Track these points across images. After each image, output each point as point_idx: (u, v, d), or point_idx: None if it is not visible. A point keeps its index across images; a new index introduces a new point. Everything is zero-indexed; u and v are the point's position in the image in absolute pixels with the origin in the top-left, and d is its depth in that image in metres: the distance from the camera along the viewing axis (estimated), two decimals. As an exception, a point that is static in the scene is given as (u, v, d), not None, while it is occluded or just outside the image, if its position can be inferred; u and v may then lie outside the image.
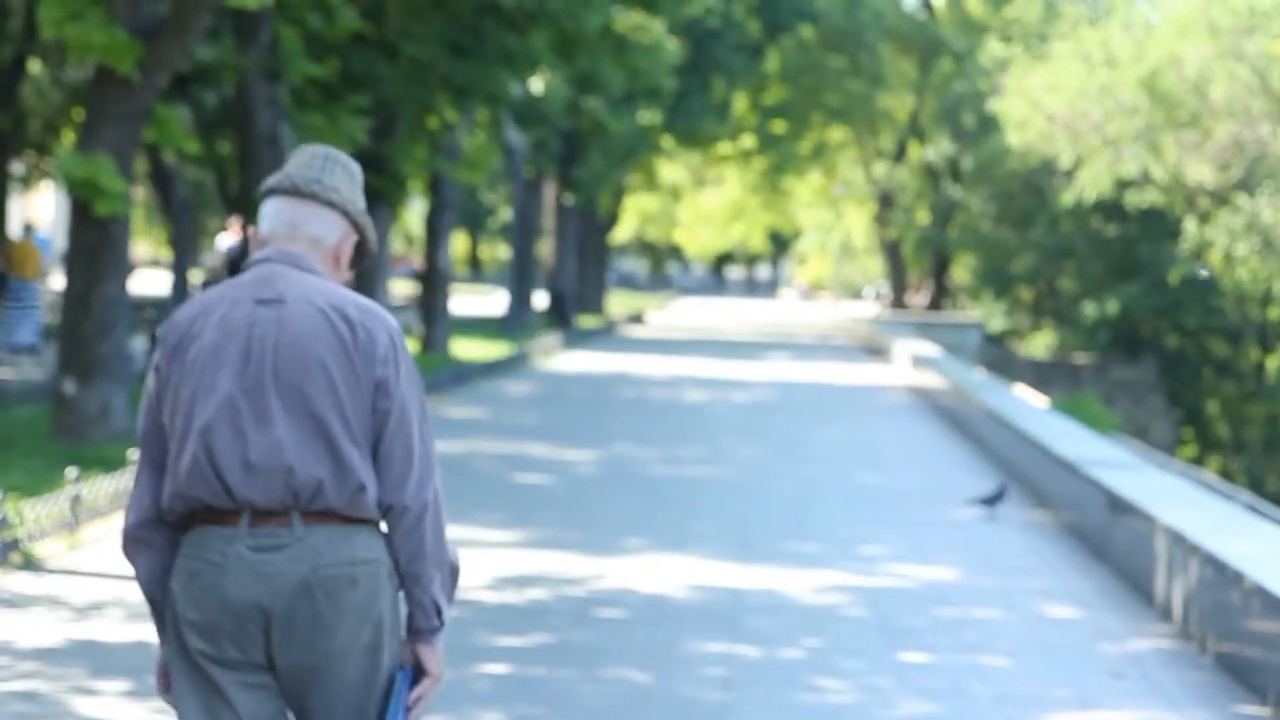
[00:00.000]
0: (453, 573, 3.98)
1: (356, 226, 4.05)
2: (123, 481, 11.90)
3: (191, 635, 3.83)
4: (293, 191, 4.00)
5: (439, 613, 3.94)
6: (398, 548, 3.90)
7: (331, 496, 3.81)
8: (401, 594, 3.97)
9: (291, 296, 3.89)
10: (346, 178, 4.04)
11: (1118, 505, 11.46)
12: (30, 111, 30.73)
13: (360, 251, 4.08)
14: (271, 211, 4.02)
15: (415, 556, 3.89)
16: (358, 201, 4.05)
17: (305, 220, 3.99)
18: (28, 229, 25.60)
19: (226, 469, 3.80)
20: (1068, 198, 45.41)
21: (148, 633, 8.48)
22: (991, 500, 14.02)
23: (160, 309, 32.71)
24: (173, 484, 3.85)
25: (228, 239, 19.86)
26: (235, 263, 19.27)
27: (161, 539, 3.93)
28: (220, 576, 3.80)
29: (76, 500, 11.02)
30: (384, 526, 3.93)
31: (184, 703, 3.87)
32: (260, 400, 3.83)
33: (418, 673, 3.95)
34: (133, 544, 3.95)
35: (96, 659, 7.97)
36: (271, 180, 4.04)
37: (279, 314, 3.87)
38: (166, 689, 3.98)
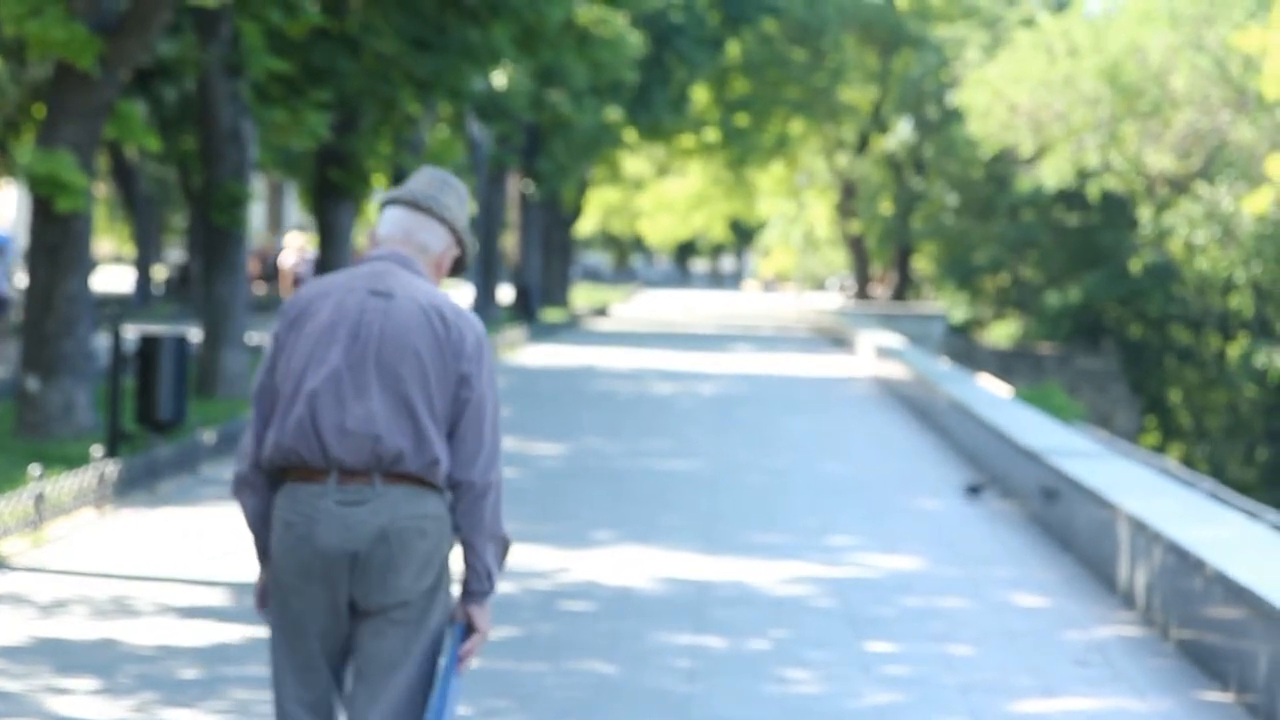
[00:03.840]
0: (504, 546, 4.65)
1: (459, 241, 4.74)
2: (86, 479, 11.86)
3: (286, 575, 4.52)
4: (411, 204, 4.69)
5: (489, 577, 4.61)
6: (460, 518, 4.57)
7: (410, 464, 4.48)
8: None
9: (399, 292, 4.56)
10: (457, 199, 4.72)
11: (1081, 494, 11.52)
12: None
13: (459, 263, 4.77)
14: (390, 218, 4.70)
15: (475, 527, 4.58)
16: (463, 220, 4.72)
17: (418, 229, 4.69)
18: None
19: (325, 430, 4.46)
20: (1025, 183, 45.52)
21: (113, 630, 8.48)
22: (976, 489, 14.31)
23: (124, 305, 32.55)
24: (277, 437, 4.51)
25: (290, 257, 19.61)
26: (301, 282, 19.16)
27: (264, 483, 4.61)
28: (312, 527, 4.47)
29: (40, 498, 10.97)
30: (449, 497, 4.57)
31: (275, 620, 4.58)
32: (361, 376, 4.49)
33: (467, 629, 4.59)
34: (242, 486, 4.62)
35: (62, 657, 7.95)
36: (394, 192, 4.70)
37: (387, 306, 4.54)
38: (263, 605, 4.68)
